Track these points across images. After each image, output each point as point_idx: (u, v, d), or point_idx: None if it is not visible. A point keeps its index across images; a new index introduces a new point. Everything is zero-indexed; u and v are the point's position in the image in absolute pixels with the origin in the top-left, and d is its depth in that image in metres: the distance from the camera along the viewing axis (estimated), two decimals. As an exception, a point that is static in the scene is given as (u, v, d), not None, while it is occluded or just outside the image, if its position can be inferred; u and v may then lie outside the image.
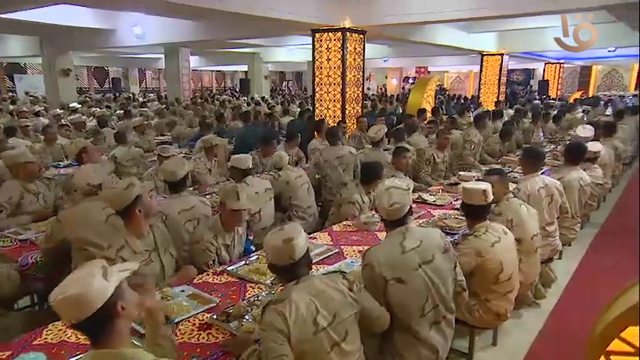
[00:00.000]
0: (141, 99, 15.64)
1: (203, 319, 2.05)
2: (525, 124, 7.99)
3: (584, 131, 4.98)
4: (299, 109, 10.20)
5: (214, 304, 2.18)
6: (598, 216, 5.60)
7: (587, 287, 3.80)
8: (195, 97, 14.85)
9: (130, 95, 16.81)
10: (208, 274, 2.55)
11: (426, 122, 7.57)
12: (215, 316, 2.05)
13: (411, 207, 2.14)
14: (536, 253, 2.98)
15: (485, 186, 2.53)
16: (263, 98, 15.09)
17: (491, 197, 2.53)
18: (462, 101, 15.84)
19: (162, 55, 13.60)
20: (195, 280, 2.47)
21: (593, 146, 4.49)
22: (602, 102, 14.47)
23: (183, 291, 2.31)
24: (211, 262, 2.68)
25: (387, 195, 2.09)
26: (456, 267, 2.20)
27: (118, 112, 10.12)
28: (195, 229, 2.92)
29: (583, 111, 10.21)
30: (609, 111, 10.97)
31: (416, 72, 26.16)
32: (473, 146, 5.51)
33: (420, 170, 5.18)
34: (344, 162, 4.91)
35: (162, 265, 2.46)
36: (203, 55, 18.16)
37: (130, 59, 18.70)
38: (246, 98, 15.68)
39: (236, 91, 21.81)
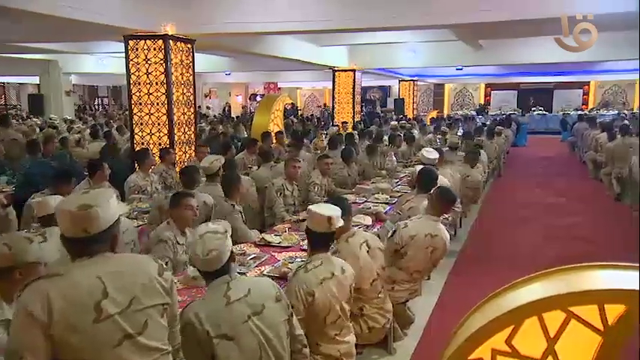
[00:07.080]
0: None
1: None
2: (382, 147, 8.85)
3: (430, 153, 5.66)
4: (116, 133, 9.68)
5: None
6: (455, 244, 6.42)
7: (446, 324, 4.27)
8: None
9: None
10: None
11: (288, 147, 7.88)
12: None
13: (232, 253, 2.19)
14: (380, 298, 3.26)
15: (333, 212, 2.70)
16: (66, 120, 13.89)
17: (338, 225, 2.72)
18: (315, 121, 16.89)
19: None
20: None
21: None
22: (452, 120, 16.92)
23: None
24: None
25: (201, 243, 2.10)
26: (291, 318, 2.29)
27: None
28: None
29: (439, 131, 11.78)
30: (460, 131, 12.82)
31: (264, 88, 27.10)
32: (316, 188, 5.88)
33: (273, 204, 5.32)
34: None
35: None
36: (-33, 60, 15.97)
37: None
38: (37, 120, 14.23)
39: (22, 111, 19.70)
